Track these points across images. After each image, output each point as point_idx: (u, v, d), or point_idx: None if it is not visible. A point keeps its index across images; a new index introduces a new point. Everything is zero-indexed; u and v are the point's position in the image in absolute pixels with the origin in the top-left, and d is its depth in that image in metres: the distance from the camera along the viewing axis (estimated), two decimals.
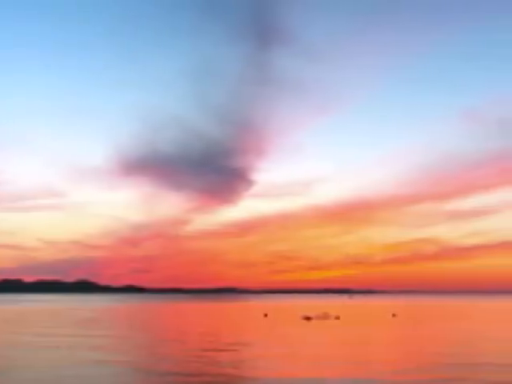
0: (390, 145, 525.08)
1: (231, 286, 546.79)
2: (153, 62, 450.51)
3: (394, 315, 73.97)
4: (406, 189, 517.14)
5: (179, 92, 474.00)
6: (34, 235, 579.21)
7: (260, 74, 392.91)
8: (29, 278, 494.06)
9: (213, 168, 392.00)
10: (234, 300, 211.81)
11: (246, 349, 30.57)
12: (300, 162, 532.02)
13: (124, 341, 35.50)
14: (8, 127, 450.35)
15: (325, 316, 69.03)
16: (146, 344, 33.57)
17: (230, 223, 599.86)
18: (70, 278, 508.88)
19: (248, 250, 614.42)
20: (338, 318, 66.27)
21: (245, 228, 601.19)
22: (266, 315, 73.12)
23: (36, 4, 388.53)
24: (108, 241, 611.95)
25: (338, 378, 20.31)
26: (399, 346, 32.89)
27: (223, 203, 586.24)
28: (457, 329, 47.35)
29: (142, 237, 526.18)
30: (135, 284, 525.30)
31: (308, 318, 63.80)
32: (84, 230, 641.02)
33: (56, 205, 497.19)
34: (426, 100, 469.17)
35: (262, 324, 54.17)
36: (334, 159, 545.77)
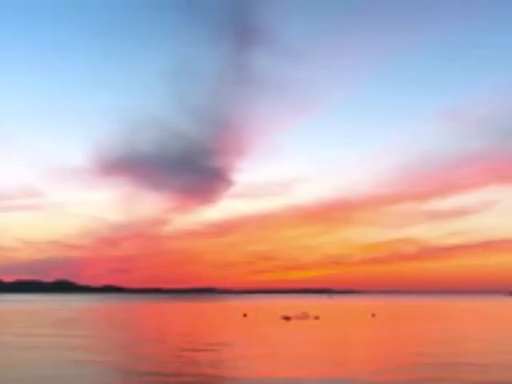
0: (369, 145, 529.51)
1: (210, 286, 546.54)
2: (133, 62, 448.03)
3: (373, 315, 74.46)
4: (385, 189, 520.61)
5: (159, 92, 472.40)
6: (12, 235, 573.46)
7: (239, 74, 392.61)
8: (8, 278, 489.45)
9: (192, 168, 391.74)
10: (214, 300, 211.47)
11: (226, 349, 30.61)
12: (279, 162, 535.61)
13: (103, 341, 35.33)
14: None
15: (304, 316, 69.29)
16: (126, 344, 33.45)
17: (210, 223, 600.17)
18: (49, 278, 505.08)
19: (227, 250, 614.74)
20: (317, 317, 66.56)
21: (224, 228, 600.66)
22: (245, 315, 73.19)
23: (18, 5, 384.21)
24: (87, 241, 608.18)
25: (317, 378, 20.42)
26: (378, 346, 33.15)
27: (202, 203, 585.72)
28: (436, 329, 47.82)
29: (121, 237, 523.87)
30: (114, 284, 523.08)
31: (287, 318, 63.99)
32: (63, 230, 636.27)
33: (35, 205, 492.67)
34: (405, 100, 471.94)
35: (242, 324, 54.23)
36: (314, 159, 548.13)
